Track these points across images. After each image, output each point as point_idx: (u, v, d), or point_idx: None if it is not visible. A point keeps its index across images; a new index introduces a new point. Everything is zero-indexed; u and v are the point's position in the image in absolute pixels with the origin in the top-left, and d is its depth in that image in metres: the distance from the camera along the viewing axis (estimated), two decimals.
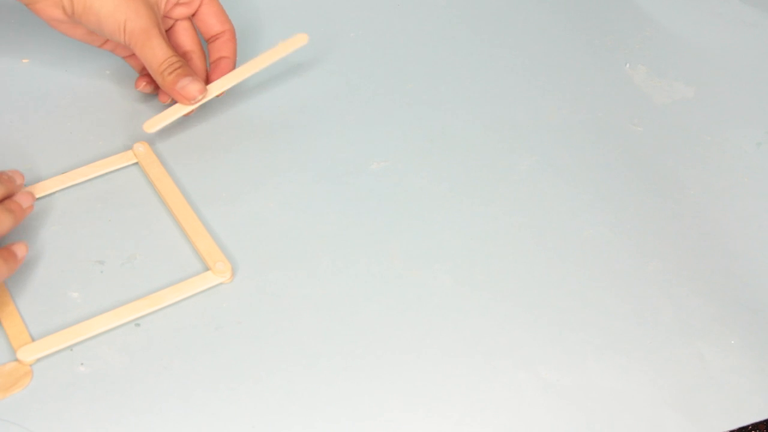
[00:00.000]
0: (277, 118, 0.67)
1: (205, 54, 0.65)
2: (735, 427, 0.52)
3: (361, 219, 0.60)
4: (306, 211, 0.61)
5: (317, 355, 0.53)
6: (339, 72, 0.70)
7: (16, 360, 0.52)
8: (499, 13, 0.77)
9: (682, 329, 0.56)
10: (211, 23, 0.65)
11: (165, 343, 0.53)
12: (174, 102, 0.63)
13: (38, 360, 0.52)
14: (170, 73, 0.60)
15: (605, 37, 0.76)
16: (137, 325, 0.54)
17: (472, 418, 0.51)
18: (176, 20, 0.65)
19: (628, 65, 0.73)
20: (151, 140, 0.63)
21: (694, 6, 0.79)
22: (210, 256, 0.57)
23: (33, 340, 0.52)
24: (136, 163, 0.62)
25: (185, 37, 0.65)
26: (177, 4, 0.63)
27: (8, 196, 0.57)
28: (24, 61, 0.68)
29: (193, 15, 0.65)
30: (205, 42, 0.66)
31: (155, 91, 0.65)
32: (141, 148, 0.62)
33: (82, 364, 0.52)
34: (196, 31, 0.66)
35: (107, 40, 0.64)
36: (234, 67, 0.65)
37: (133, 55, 0.65)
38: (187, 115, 0.63)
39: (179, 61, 0.61)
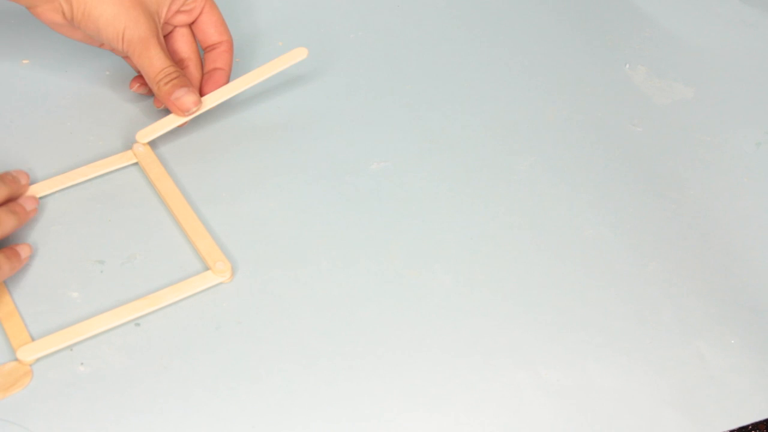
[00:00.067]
0: (276, 118, 0.67)
1: (202, 62, 0.66)
2: (735, 426, 0.52)
3: (361, 219, 0.60)
4: (306, 211, 0.61)
5: (317, 355, 0.53)
6: (339, 73, 0.70)
7: (16, 360, 0.52)
8: (499, 14, 0.77)
9: (682, 329, 0.56)
10: (210, 33, 0.65)
11: (165, 343, 0.53)
12: (168, 110, 0.63)
13: (38, 359, 0.52)
14: (166, 83, 0.61)
15: (605, 37, 0.76)
16: (137, 325, 0.54)
17: (472, 418, 0.51)
18: (175, 27, 0.65)
19: (627, 66, 0.73)
20: (151, 140, 0.63)
21: (694, 6, 0.79)
22: (210, 255, 0.57)
23: (33, 339, 0.52)
24: (136, 163, 0.62)
25: (183, 44, 0.65)
26: (178, 11, 0.63)
27: (13, 197, 0.57)
28: (24, 61, 0.68)
29: (193, 23, 0.65)
30: (202, 50, 0.66)
31: (149, 93, 0.65)
32: (141, 148, 0.62)
33: (82, 364, 0.52)
34: (195, 38, 0.66)
35: None
36: (228, 79, 0.65)
37: None
38: (180, 126, 0.63)
39: (176, 72, 0.61)
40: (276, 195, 0.61)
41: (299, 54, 0.66)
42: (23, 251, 0.55)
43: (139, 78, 0.65)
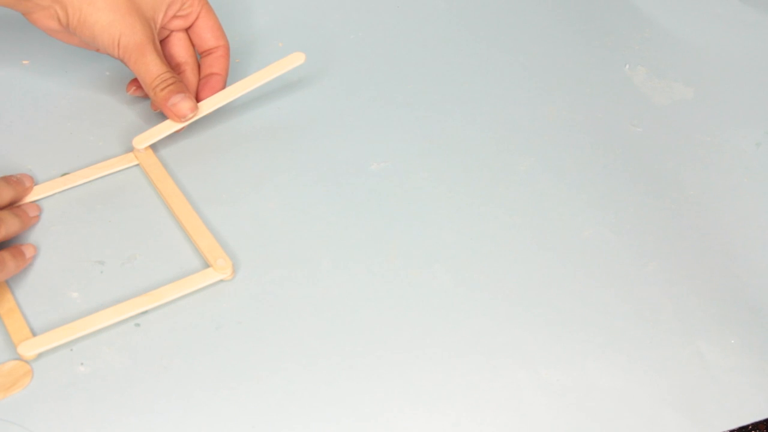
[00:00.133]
0: (277, 119, 0.67)
1: (199, 66, 0.66)
2: (735, 426, 0.52)
3: (362, 219, 0.60)
4: (306, 211, 0.61)
5: (317, 355, 0.53)
6: (339, 73, 0.70)
7: (17, 356, 0.52)
8: (499, 14, 0.77)
9: (682, 329, 0.56)
10: (206, 37, 0.65)
11: (165, 343, 0.53)
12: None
13: (39, 356, 0.52)
14: (162, 89, 0.61)
15: (605, 38, 0.76)
16: (137, 325, 0.54)
17: (472, 418, 0.51)
18: (172, 31, 0.65)
19: (627, 66, 0.73)
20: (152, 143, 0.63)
21: (693, 6, 0.79)
22: (211, 253, 0.57)
23: (34, 336, 0.52)
24: (137, 165, 0.62)
25: (180, 48, 0.65)
26: (174, 16, 0.63)
27: (17, 200, 0.58)
28: (24, 62, 0.69)
29: (189, 27, 0.65)
30: (199, 55, 0.66)
31: (146, 96, 0.65)
32: (142, 150, 0.62)
33: (82, 364, 0.52)
34: (192, 43, 0.66)
35: None
36: (224, 84, 0.65)
37: None
38: (177, 132, 0.63)
39: (172, 77, 0.61)
40: (276, 196, 0.61)
41: (296, 59, 0.66)
42: (28, 251, 0.56)
43: (136, 81, 0.65)
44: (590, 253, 0.60)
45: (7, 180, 0.58)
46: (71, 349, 0.53)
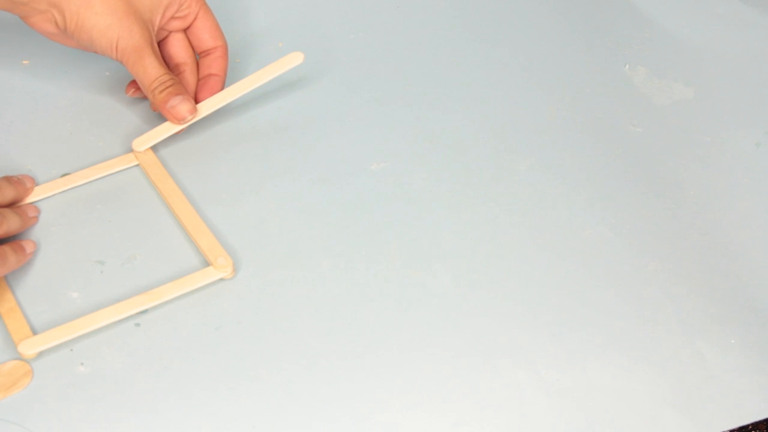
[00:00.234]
0: (276, 119, 0.67)
1: (198, 67, 0.65)
2: (735, 426, 0.52)
3: (362, 219, 0.60)
4: (306, 211, 0.61)
5: (317, 355, 0.53)
6: (339, 73, 0.70)
7: (17, 356, 0.52)
8: (499, 14, 0.77)
9: (682, 329, 0.56)
10: (204, 38, 0.65)
11: (165, 343, 0.53)
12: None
13: (39, 356, 0.52)
14: (161, 92, 0.61)
15: (605, 38, 0.76)
16: (137, 325, 0.54)
17: (472, 418, 0.51)
18: (171, 32, 0.65)
19: (627, 66, 0.73)
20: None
21: (693, 6, 0.79)
22: (211, 251, 0.57)
23: (34, 335, 0.52)
24: (137, 165, 0.62)
25: (179, 48, 0.65)
26: (172, 18, 0.63)
27: (18, 200, 0.58)
28: (24, 62, 0.69)
29: (188, 28, 0.65)
30: (197, 55, 0.66)
31: (145, 97, 0.65)
32: (141, 150, 0.62)
33: (82, 364, 0.52)
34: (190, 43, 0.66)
35: None
36: (223, 85, 0.65)
37: None
38: (177, 134, 0.63)
39: (171, 80, 0.61)
40: (276, 196, 0.61)
41: (295, 59, 0.66)
42: (28, 246, 0.56)
43: (135, 83, 0.65)
44: (590, 253, 0.60)
45: (9, 180, 0.58)
46: (71, 349, 0.53)
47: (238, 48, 0.71)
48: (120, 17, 0.59)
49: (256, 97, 0.68)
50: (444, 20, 0.76)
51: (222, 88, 0.65)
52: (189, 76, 0.64)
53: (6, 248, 0.54)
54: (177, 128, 0.62)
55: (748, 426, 0.53)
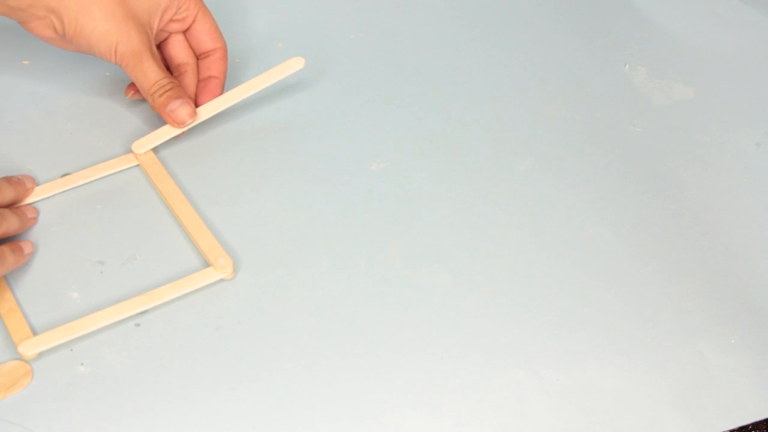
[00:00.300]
0: (277, 119, 0.67)
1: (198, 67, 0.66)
2: (735, 426, 0.52)
3: (362, 219, 0.60)
4: (306, 211, 0.61)
5: (317, 355, 0.53)
6: (339, 73, 0.70)
7: (17, 356, 0.52)
8: (499, 15, 0.77)
9: (682, 328, 0.56)
10: (203, 40, 0.65)
11: (165, 343, 0.53)
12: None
13: (39, 356, 0.52)
14: (160, 96, 0.61)
15: (605, 38, 0.76)
16: (137, 325, 0.54)
17: (472, 418, 0.51)
18: (171, 33, 0.65)
19: (627, 66, 0.73)
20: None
21: (693, 6, 0.79)
22: (211, 252, 0.57)
23: (34, 335, 0.53)
24: (137, 165, 0.62)
25: (180, 49, 0.65)
26: (171, 20, 0.63)
27: (17, 200, 0.58)
28: (24, 62, 0.69)
29: (186, 30, 0.65)
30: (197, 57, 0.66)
31: (144, 98, 0.65)
32: (141, 149, 0.62)
33: (82, 364, 0.52)
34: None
35: None
36: (223, 87, 0.65)
37: None
38: (178, 137, 0.63)
39: (170, 83, 0.61)
40: (276, 196, 0.61)
41: (296, 64, 0.66)
42: (26, 247, 0.56)
43: (134, 85, 0.65)
44: (590, 253, 0.60)
45: (9, 180, 0.58)
46: (71, 349, 0.53)
47: (239, 49, 0.71)
48: (118, 22, 0.59)
49: (257, 98, 0.68)
50: (444, 20, 0.76)
51: (222, 91, 0.65)
52: (191, 76, 0.64)
53: (5, 249, 0.54)
54: (177, 131, 0.63)
55: (748, 426, 0.53)
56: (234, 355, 0.53)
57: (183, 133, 0.63)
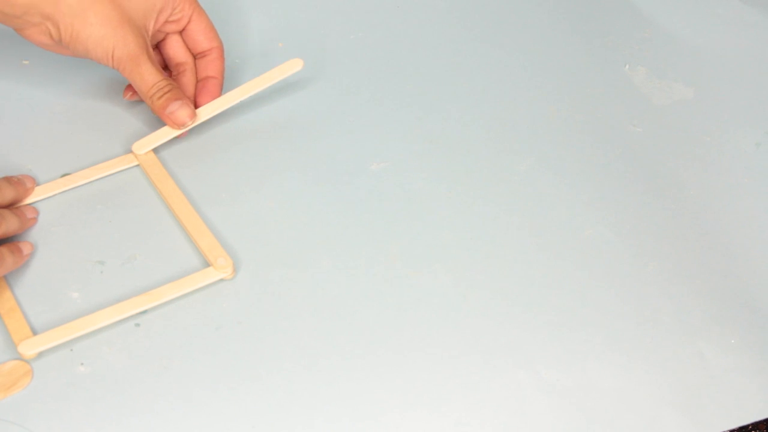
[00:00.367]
0: (277, 119, 0.67)
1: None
2: (735, 426, 0.52)
3: (362, 219, 0.60)
4: (306, 211, 0.61)
5: (317, 355, 0.53)
6: (339, 73, 0.70)
7: (17, 356, 0.52)
8: (499, 15, 0.77)
9: (682, 329, 0.56)
10: (199, 40, 0.65)
11: (165, 343, 0.53)
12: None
13: (39, 356, 0.52)
14: (159, 98, 0.61)
15: (604, 38, 0.76)
16: (137, 325, 0.54)
17: (472, 418, 0.51)
18: (168, 33, 0.65)
19: (627, 66, 0.73)
20: None
21: (693, 6, 0.79)
22: (211, 252, 0.57)
23: (34, 335, 0.53)
24: (137, 165, 0.62)
25: (178, 49, 0.65)
26: (166, 22, 0.63)
27: (17, 200, 0.58)
28: (24, 62, 0.69)
29: (182, 31, 0.65)
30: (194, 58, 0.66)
31: (142, 99, 0.65)
32: (142, 150, 0.62)
33: (82, 364, 0.52)
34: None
35: None
36: (221, 87, 0.65)
37: None
38: (178, 137, 0.63)
39: (169, 85, 0.61)
40: (276, 196, 0.61)
41: (294, 65, 0.66)
42: (25, 248, 0.56)
43: (132, 87, 0.65)
44: (590, 253, 0.60)
45: (9, 180, 0.58)
46: (71, 349, 0.53)
47: (238, 49, 0.71)
48: (114, 26, 0.59)
49: (256, 98, 0.68)
50: (444, 20, 0.76)
51: (221, 90, 0.65)
52: (189, 76, 0.64)
53: (4, 250, 0.54)
54: (177, 132, 0.63)
55: (748, 426, 0.53)
56: (234, 355, 0.53)
57: (185, 133, 0.63)
